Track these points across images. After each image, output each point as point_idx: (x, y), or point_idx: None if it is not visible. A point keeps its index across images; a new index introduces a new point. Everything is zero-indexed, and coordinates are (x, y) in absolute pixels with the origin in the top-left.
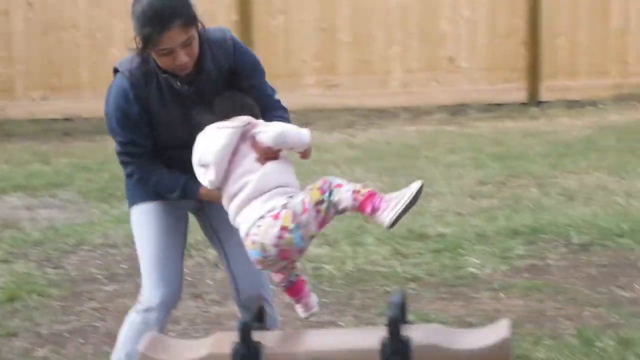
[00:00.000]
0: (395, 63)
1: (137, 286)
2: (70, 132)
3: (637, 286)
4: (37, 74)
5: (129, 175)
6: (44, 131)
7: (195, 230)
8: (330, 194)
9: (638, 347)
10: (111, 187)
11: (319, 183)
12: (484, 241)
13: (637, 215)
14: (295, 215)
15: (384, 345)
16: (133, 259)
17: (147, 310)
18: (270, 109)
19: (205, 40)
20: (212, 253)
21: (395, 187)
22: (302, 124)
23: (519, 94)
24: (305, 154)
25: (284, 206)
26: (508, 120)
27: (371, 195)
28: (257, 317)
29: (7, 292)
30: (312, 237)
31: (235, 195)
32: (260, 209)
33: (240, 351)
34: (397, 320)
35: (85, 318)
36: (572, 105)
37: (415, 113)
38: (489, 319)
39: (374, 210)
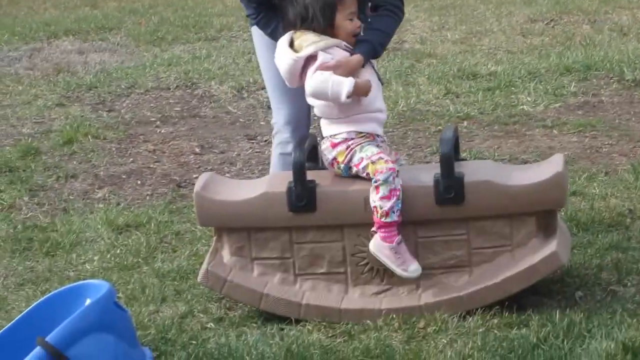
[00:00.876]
0: None
1: (191, 128)
2: None
3: None
4: None
5: (247, 16)
6: None
7: (248, 71)
8: (375, 181)
9: None
10: (161, 30)
11: (383, 167)
12: (536, 78)
13: None
14: (348, 159)
15: (437, 182)
16: (186, 102)
17: (276, 133)
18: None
19: None
20: (264, 95)
21: (444, 27)
22: None
23: None
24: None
25: (347, 142)
26: None
27: (381, 225)
28: (311, 157)
29: (64, 135)
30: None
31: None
32: (325, 130)
33: (295, 189)
34: (449, 157)
35: (141, 160)
36: None
37: None
38: (543, 155)
39: (378, 229)
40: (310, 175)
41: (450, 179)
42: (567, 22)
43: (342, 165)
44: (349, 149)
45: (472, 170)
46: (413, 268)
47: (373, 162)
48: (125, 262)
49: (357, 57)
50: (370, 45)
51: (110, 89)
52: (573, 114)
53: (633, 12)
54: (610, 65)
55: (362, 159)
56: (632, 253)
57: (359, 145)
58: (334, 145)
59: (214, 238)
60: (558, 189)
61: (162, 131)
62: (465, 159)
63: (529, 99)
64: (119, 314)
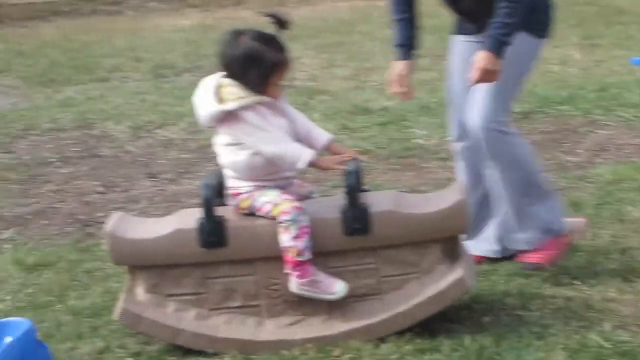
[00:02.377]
0: None
1: (92, 168)
2: (0, 17)
3: (580, 151)
4: None
5: None
6: None
7: (143, 110)
8: (282, 222)
9: (587, 209)
10: (52, 72)
11: (288, 207)
12: (428, 112)
13: (574, 83)
14: (250, 205)
15: (344, 213)
16: (84, 142)
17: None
18: None
19: None
20: (161, 133)
21: (334, 64)
22: (234, 3)
23: None
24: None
25: (249, 192)
26: None
27: (295, 264)
28: (218, 193)
29: None
30: None
31: None
32: (229, 180)
33: (205, 225)
34: (354, 188)
35: (45, 200)
36: None
37: None
38: (442, 187)
39: (292, 269)
40: (219, 210)
41: (356, 210)
42: None
43: (245, 212)
44: (250, 195)
45: (377, 201)
46: (339, 287)
47: (276, 204)
48: (38, 301)
49: (487, 55)
50: (493, 39)
51: (6, 130)
52: None
53: None
54: None
55: (265, 203)
56: (534, 279)
57: (260, 191)
58: (236, 195)
59: (129, 276)
60: (460, 216)
61: (63, 171)
62: (369, 190)
63: (422, 132)
64: (40, 350)
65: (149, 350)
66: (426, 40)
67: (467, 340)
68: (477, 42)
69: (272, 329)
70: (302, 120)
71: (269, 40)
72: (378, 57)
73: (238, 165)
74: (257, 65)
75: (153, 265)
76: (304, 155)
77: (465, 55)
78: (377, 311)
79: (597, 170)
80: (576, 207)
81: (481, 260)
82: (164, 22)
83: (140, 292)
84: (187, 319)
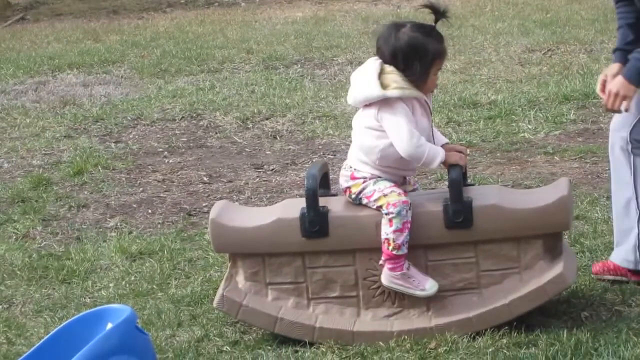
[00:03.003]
0: None
1: (198, 158)
2: (117, 9)
3: None
4: None
5: None
6: (91, 9)
7: (251, 102)
8: (388, 213)
9: None
10: (164, 63)
11: (396, 200)
12: (536, 107)
13: None
14: (360, 190)
15: (446, 207)
16: (192, 133)
17: None
18: None
19: None
20: (268, 125)
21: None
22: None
23: None
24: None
25: (365, 178)
26: None
27: (389, 257)
28: (322, 184)
29: (74, 166)
30: None
31: None
32: (354, 161)
33: (307, 215)
34: (458, 182)
35: (151, 189)
36: None
37: None
38: (546, 181)
39: (385, 261)
40: (322, 201)
41: (458, 204)
42: (564, 51)
43: (353, 195)
44: (365, 181)
45: (480, 195)
46: (430, 285)
47: (385, 195)
48: (140, 289)
49: (622, 82)
50: (631, 66)
51: (117, 120)
52: (573, 140)
53: None
54: None
55: (374, 191)
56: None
57: (374, 179)
58: (353, 178)
59: (229, 264)
60: (563, 212)
61: (170, 161)
62: (473, 184)
63: (529, 126)
64: (140, 337)
65: (247, 339)
66: (537, 34)
67: (564, 335)
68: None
69: (369, 320)
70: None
71: (429, 32)
72: (489, 51)
73: (372, 150)
74: (420, 55)
75: (254, 253)
76: (438, 157)
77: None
78: (475, 305)
79: None
80: None
81: (620, 271)
82: (277, 14)
83: (240, 280)
84: (285, 308)
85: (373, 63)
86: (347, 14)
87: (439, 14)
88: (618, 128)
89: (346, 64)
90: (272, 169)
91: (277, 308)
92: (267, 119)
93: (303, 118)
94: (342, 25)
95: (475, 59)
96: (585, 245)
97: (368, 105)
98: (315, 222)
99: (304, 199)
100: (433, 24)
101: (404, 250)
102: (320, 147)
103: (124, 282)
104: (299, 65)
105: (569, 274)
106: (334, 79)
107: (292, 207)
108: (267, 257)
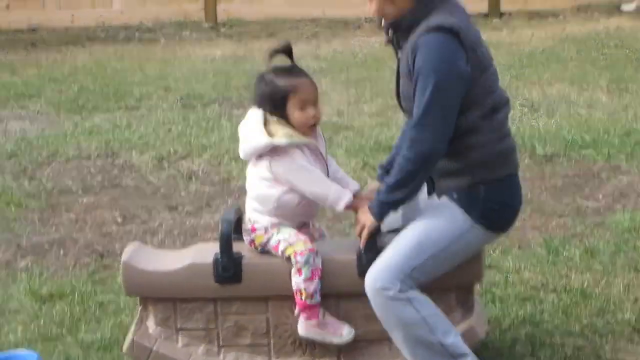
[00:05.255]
0: None
1: (112, 198)
2: (35, 42)
3: (600, 196)
4: None
5: None
6: (10, 42)
7: (168, 141)
8: (296, 262)
9: (603, 256)
10: (81, 99)
11: (302, 248)
12: None
13: (599, 127)
14: (265, 241)
15: (359, 255)
16: (107, 171)
17: None
18: None
19: None
20: (184, 165)
21: (361, 100)
22: (267, 34)
23: (481, 5)
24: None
25: (266, 228)
26: None
27: (304, 307)
28: (236, 229)
29: None
30: None
31: None
32: (250, 213)
33: (221, 261)
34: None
35: (64, 229)
36: (533, 16)
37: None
38: None
39: (300, 311)
40: (236, 246)
41: (373, 254)
42: None
43: (259, 248)
44: (266, 231)
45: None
46: (347, 331)
47: (291, 244)
48: (49, 333)
49: (372, 223)
50: (375, 203)
51: (31, 157)
52: None
53: (543, 88)
54: (522, 140)
55: (279, 241)
56: (544, 326)
57: (276, 228)
58: (254, 230)
59: (139, 308)
60: (475, 264)
61: (84, 201)
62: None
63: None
64: None
65: None
66: None
67: None
68: None
69: None
70: (335, 166)
71: (286, 70)
72: None
73: (267, 199)
74: (273, 92)
75: (166, 297)
76: (344, 197)
77: None
78: (387, 356)
79: (615, 217)
80: (591, 254)
81: None
82: (196, 52)
83: (151, 325)
84: (196, 354)
85: (255, 113)
86: (267, 53)
87: (283, 52)
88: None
89: None
90: (187, 211)
91: (187, 354)
92: (183, 159)
93: (219, 159)
94: (260, 65)
95: (392, 102)
96: (497, 295)
97: (259, 156)
98: (228, 267)
99: (217, 244)
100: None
101: (317, 299)
102: (235, 189)
103: (32, 326)
104: (217, 104)
105: (480, 327)
106: None
107: (205, 252)
108: (178, 302)
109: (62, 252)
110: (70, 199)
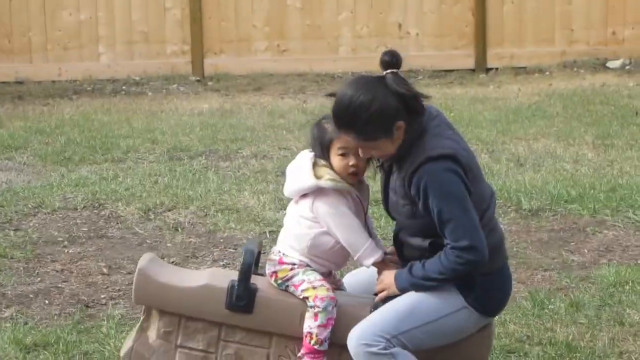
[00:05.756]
0: (344, 28)
1: (98, 249)
2: (22, 95)
3: (585, 250)
4: None
5: None
6: None
7: (154, 193)
8: (313, 307)
9: (588, 309)
10: (68, 151)
11: (325, 294)
12: None
13: (585, 182)
14: (288, 277)
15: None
16: (93, 222)
17: None
18: None
19: None
20: (170, 216)
21: None
22: (254, 89)
23: (467, 61)
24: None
25: (294, 265)
26: (457, 87)
27: (310, 351)
28: (255, 261)
29: None
30: None
31: None
32: (283, 246)
33: (237, 289)
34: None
35: (49, 279)
36: (520, 72)
37: None
38: None
39: (305, 354)
40: (252, 278)
41: None
42: None
43: (279, 281)
44: (292, 268)
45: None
46: None
47: (314, 287)
48: None
49: (394, 290)
50: (405, 278)
51: (17, 208)
52: None
53: (529, 143)
54: (508, 194)
55: (303, 281)
56: None
57: (303, 268)
58: (281, 263)
59: (142, 316)
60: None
61: (70, 251)
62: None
63: None
64: None
65: None
66: None
67: None
68: None
69: None
70: (370, 222)
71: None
72: None
73: (303, 237)
74: (321, 137)
75: (173, 312)
76: (375, 255)
77: None
78: None
79: (601, 271)
80: (577, 308)
81: None
82: (183, 105)
83: (152, 336)
84: None
85: (306, 155)
86: (254, 107)
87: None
88: None
89: (251, 157)
90: (173, 262)
91: None
92: (169, 211)
93: (205, 210)
94: (247, 118)
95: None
96: None
97: (303, 195)
98: (242, 297)
99: (231, 270)
100: None
101: (325, 347)
102: (221, 240)
103: None
104: (204, 157)
105: None
106: (238, 172)
107: (221, 277)
108: (184, 320)
109: (47, 301)
110: (56, 249)
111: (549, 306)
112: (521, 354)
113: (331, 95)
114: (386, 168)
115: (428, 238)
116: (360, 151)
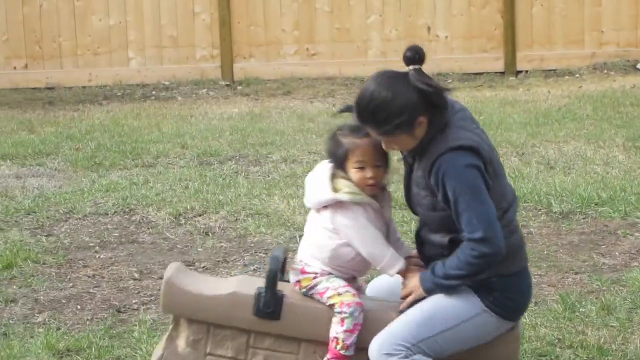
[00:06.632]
0: (373, 32)
1: (129, 254)
2: (53, 100)
3: (616, 253)
4: (18, 43)
5: None
6: (27, 100)
7: (185, 198)
8: (340, 312)
9: (619, 312)
10: (98, 156)
11: (351, 300)
12: None
13: (615, 184)
14: (311, 285)
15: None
16: (124, 227)
17: None
18: None
19: None
20: (201, 221)
21: None
22: (284, 92)
23: (496, 63)
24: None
25: (316, 274)
26: (486, 90)
27: (336, 356)
28: (281, 268)
29: (3, 260)
30: None
31: None
32: (304, 256)
33: (264, 296)
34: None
35: (81, 285)
36: (549, 74)
37: None
38: None
39: (330, 359)
40: (279, 285)
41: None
42: None
43: (303, 290)
44: (315, 277)
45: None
46: None
47: (340, 294)
48: None
49: (419, 293)
50: (429, 279)
51: (49, 213)
52: None
53: (559, 146)
54: (539, 197)
55: (327, 288)
56: None
57: (326, 276)
58: (304, 272)
59: (171, 325)
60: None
61: (101, 256)
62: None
63: None
64: None
65: None
66: None
67: None
68: None
69: None
70: (394, 227)
71: (351, 129)
72: None
73: (324, 248)
74: (337, 149)
75: (201, 320)
76: (397, 264)
77: None
78: None
79: (632, 274)
80: (608, 311)
81: None
82: (213, 109)
83: (181, 344)
84: None
85: (325, 166)
86: (283, 110)
87: (346, 111)
88: None
89: (280, 161)
90: (204, 267)
91: None
92: (199, 216)
93: (236, 215)
94: (277, 122)
95: None
96: None
97: (324, 207)
98: (270, 304)
99: (258, 278)
100: None
101: (352, 352)
102: (252, 245)
103: None
104: (234, 162)
105: None
106: (268, 176)
107: (249, 284)
108: (212, 327)
109: (79, 306)
110: (88, 254)
111: (580, 309)
112: (552, 357)
113: (343, 111)
114: (409, 161)
115: (448, 234)
116: (382, 144)
